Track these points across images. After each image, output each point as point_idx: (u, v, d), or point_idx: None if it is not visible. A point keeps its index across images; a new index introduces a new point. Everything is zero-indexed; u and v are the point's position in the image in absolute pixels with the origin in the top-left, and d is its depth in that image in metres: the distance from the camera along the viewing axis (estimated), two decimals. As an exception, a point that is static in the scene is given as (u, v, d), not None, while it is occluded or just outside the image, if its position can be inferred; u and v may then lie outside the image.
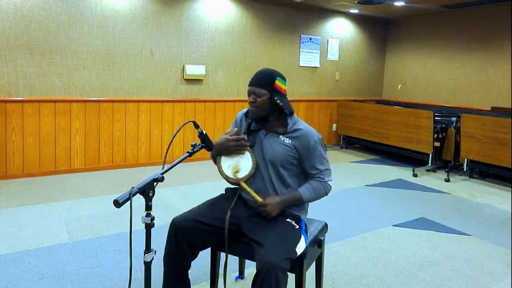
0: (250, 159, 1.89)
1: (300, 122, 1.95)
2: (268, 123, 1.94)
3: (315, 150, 1.89)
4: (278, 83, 1.90)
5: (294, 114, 1.96)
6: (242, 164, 1.89)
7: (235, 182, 1.90)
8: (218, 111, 5.74)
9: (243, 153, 1.90)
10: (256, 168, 1.90)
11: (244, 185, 1.88)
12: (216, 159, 1.95)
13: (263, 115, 1.91)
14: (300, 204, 1.92)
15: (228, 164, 1.90)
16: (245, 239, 1.83)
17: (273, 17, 6.11)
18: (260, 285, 1.54)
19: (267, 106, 1.88)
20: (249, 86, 1.92)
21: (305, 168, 1.92)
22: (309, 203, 2.03)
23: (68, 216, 3.38)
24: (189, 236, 1.81)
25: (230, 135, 1.91)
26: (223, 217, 1.85)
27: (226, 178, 1.90)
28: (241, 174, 1.88)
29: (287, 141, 1.89)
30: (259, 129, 1.95)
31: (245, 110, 2.07)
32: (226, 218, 1.84)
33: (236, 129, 1.98)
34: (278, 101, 1.88)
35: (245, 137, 1.91)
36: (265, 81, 1.88)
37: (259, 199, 1.84)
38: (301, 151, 1.89)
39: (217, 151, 1.91)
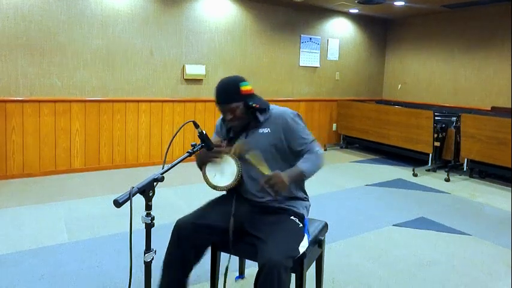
0: (234, 163, 1.82)
1: (272, 107, 1.92)
2: (247, 129, 1.92)
3: (294, 126, 1.85)
4: (244, 88, 1.85)
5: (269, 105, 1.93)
6: (226, 170, 1.84)
7: (224, 189, 1.84)
8: (218, 112, 5.72)
9: (223, 159, 1.84)
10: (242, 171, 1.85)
11: (252, 159, 1.78)
12: (200, 168, 1.90)
13: (245, 124, 1.88)
14: (303, 178, 1.84)
15: (213, 173, 1.85)
16: (247, 239, 1.82)
17: (273, 17, 6.11)
18: (263, 282, 1.52)
19: (245, 114, 1.85)
20: (218, 105, 1.86)
21: (293, 148, 1.87)
22: (310, 204, 2.02)
23: (67, 216, 3.38)
24: (193, 240, 1.79)
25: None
26: (226, 218, 1.83)
27: (215, 187, 1.84)
28: (227, 180, 1.82)
29: (266, 131, 1.87)
30: (240, 134, 1.92)
31: (222, 116, 2.02)
32: (230, 224, 1.81)
33: (219, 139, 1.95)
34: (254, 105, 1.84)
35: (221, 144, 1.86)
36: (232, 94, 1.82)
37: (266, 172, 1.74)
38: (282, 132, 1.85)
39: (201, 163, 1.87)
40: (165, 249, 1.84)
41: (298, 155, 1.88)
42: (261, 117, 1.87)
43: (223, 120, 2.01)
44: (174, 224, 1.84)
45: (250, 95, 1.87)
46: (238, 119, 1.85)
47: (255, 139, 1.87)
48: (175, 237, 1.81)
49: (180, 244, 1.79)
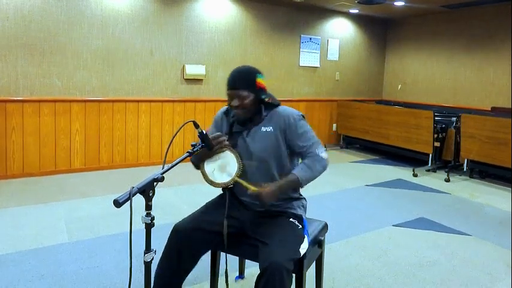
0: (234, 158, 1.78)
1: (280, 107, 1.89)
2: (250, 122, 1.87)
3: (296, 126, 1.82)
4: (259, 80, 1.84)
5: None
6: (227, 165, 1.79)
7: (221, 186, 1.79)
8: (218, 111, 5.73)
9: (223, 153, 1.79)
10: (246, 166, 1.80)
11: (237, 179, 1.76)
12: (197, 165, 1.85)
13: (249, 116, 1.84)
14: (299, 186, 1.80)
15: (212, 168, 1.79)
16: (246, 240, 1.82)
17: (273, 17, 6.11)
18: (264, 285, 1.52)
19: (253, 107, 1.82)
20: (229, 90, 1.80)
21: (294, 148, 1.84)
22: (307, 202, 2.02)
23: (67, 216, 3.38)
24: (190, 245, 1.77)
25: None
26: (222, 221, 1.80)
27: (212, 183, 1.79)
28: (225, 178, 1.77)
29: (269, 129, 1.83)
30: (242, 130, 1.88)
31: (224, 108, 1.98)
32: (224, 226, 1.78)
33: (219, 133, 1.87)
34: (266, 99, 1.83)
35: (221, 134, 1.81)
36: (246, 82, 1.80)
37: (253, 189, 1.71)
38: (284, 132, 1.82)
39: (199, 158, 1.81)
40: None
41: (300, 155, 1.86)
42: (265, 113, 1.84)
43: (225, 113, 1.96)
44: (172, 228, 1.82)
45: (263, 90, 1.85)
46: (244, 109, 1.80)
47: (258, 136, 1.84)
48: (172, 242, 1.78)
49: (177, 249, 1.76)
